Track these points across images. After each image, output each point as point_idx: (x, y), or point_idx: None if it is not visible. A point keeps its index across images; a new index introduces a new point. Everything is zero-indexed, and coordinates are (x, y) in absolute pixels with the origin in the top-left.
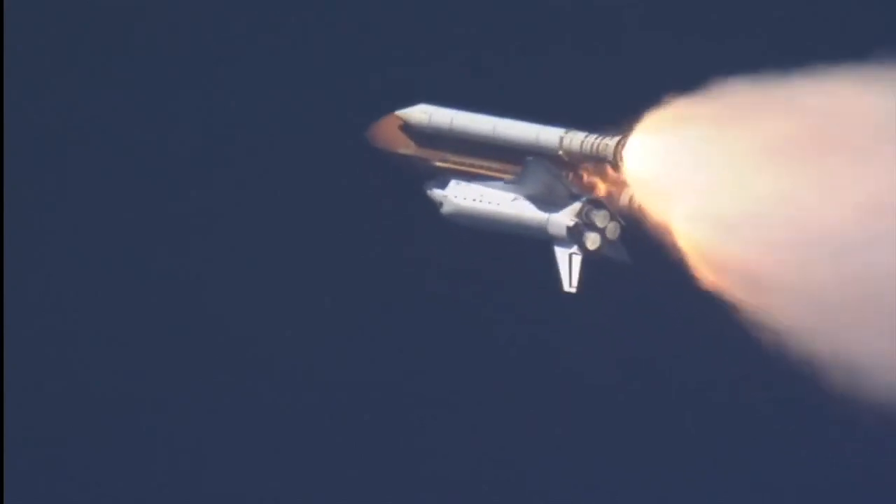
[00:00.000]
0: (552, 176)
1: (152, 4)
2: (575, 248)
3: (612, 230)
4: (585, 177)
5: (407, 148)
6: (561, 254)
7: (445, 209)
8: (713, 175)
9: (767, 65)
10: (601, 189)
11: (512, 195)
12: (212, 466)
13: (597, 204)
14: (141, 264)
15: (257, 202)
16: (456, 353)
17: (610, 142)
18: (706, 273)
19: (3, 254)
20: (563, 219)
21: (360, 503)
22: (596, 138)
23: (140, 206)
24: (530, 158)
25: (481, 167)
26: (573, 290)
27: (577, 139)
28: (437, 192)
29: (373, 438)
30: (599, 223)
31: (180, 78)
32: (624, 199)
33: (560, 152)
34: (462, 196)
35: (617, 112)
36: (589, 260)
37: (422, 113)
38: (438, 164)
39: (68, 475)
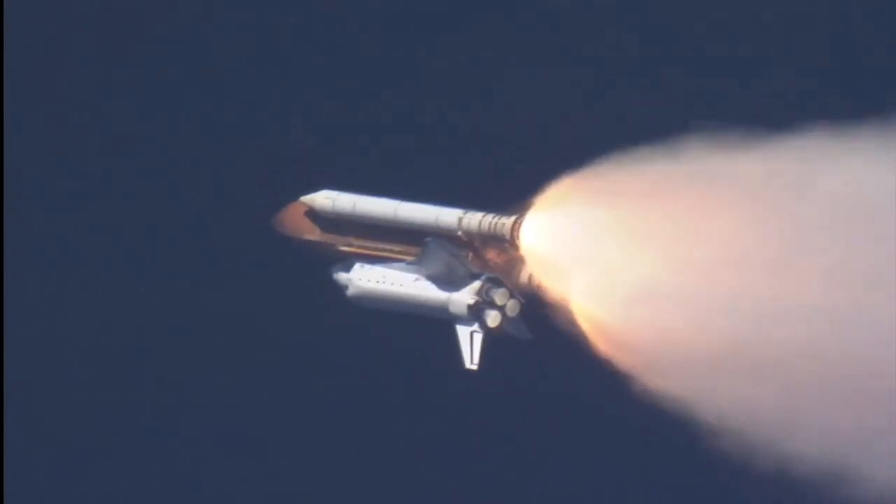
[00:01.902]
0: (451, 256)
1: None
2: (476, 326)
3: (512, 307)
4: (484, 256)
5: (312, 234)
6: (462, 332)
7: (351, 292)
8: (607, 251)
9: (656, 139)
10: (500, 267)
11: (414, 276)
12: (211, 466)
13: (496, 282)
14: (140, 264)
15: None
16: (361, 430)
17: (507, 221)
18: (603, 346)
19: (2, 254)
20: (464, 297)
21: None
22: (493, 218)
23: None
24: (429, 239)
25: (384, 250)
26: (475, 367)
27: (475, 219)
28: (342, 276)
29: None
30: (499, 301)
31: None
32: (523, 277)
33: (459, 233)
34: (366, 278)
35: (514, 192)
36: (490, 337)
37: (325, 199)
38: (343, 248)
39: (68, 475)
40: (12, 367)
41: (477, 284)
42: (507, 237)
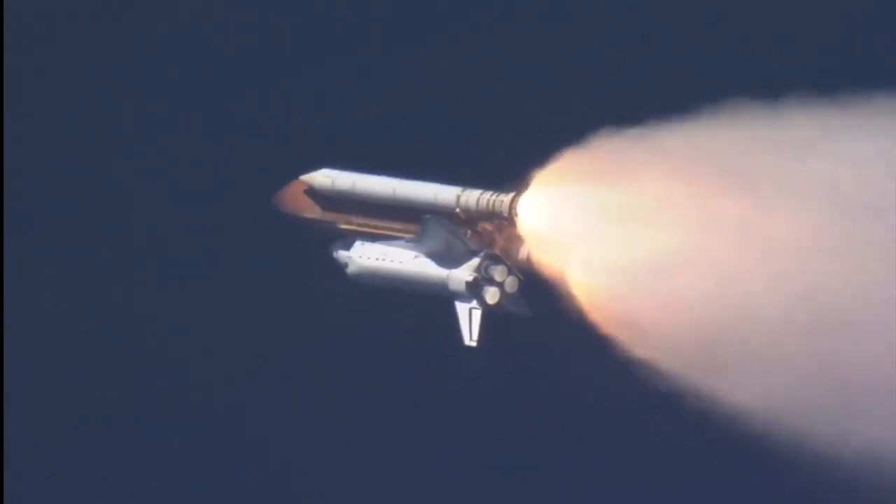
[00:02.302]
0: (450, 233)
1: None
2: (475, 303)
3: (511, 284)
4: (483, 233)
5: (312, 212)
6: (461, 309)
7: (350, 269)
8: (605, 226)
9: (655, 115)
10: (499, 244)
11: (413, 253)
12: (211, 466)
13: (495, 259)
14: (140, 265)
15: (175, 258)
16: (361, 409)
17: (505, 198)
18: (602, 323)
19: (2, 254)
20: (463, 274)
21: None
22: (491, 195)
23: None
24: (428, 217)
25: (384, 228)
26: (474, 343)
27: (473, 197)
28: (342, 254)
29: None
30: (498, 278)
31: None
32: (522, 254)
33: (457, 210)
34: (366, 256)
35: (512, 168)
36: (489, 314)
37: (325, 177)
38: (343, 226)
39: (68, 475)
40: (12, 367)
41: (476, 261)
42: (506, 214)
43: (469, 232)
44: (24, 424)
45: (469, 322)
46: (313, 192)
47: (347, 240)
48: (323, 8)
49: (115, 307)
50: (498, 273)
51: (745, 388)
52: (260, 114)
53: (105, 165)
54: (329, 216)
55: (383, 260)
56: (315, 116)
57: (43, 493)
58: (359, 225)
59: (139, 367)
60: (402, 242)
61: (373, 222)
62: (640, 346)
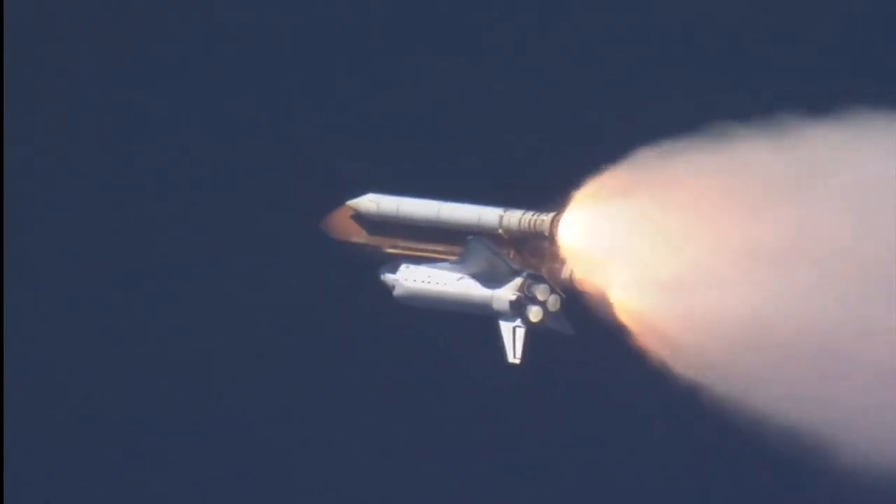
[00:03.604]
0: (493, 254)
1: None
2: (518, 322)
3: (554, 303)
4: (525, 253)
5: (359, 236)
6: (505, 327)
7: (397, 292)
8: (644, 244)
9: (690, 130)
10: (542, 263)
11: (458, 275)
12: (210, 467)
13: (537, 278)
14: (139, 265)
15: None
16: (412, 424)
17: (546, 218)
18: (644, 339)
19: (2, 254)
20: (506, 294)
21: None
22: (532, 215)
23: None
24: (471, 238)
25: (428, 250)
26: (517, 361)
27: (514, 217)
28: (388, 277)
29: None
30: (541, 297)
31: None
32: (564, 273)
33: (500, 231)
34: (412, 279)
35: (553, 189)
36: (532, 332)
37: (370, 202)
38: (389, 250)
39: (68, 475)
40: (12, 367)
41: (518, 281)
42: (547, 234)
43: (512, 252)
44: (24, 424)
45: (513, 340)
46: (359, 217)
47: (393, 263)
48: (366, 34)
49: (115, 308)
50: (540, 292)
51: (785, 403)
52: (304, 137)
53: (138, 186)
54: (375, 240)
55: (428, 282)
56: (357, 140)
57: (43, 493)
58: (404, 248)
59: (138, 368)
60: (446, 264)
61: (418, 245)
62: (681, 362)
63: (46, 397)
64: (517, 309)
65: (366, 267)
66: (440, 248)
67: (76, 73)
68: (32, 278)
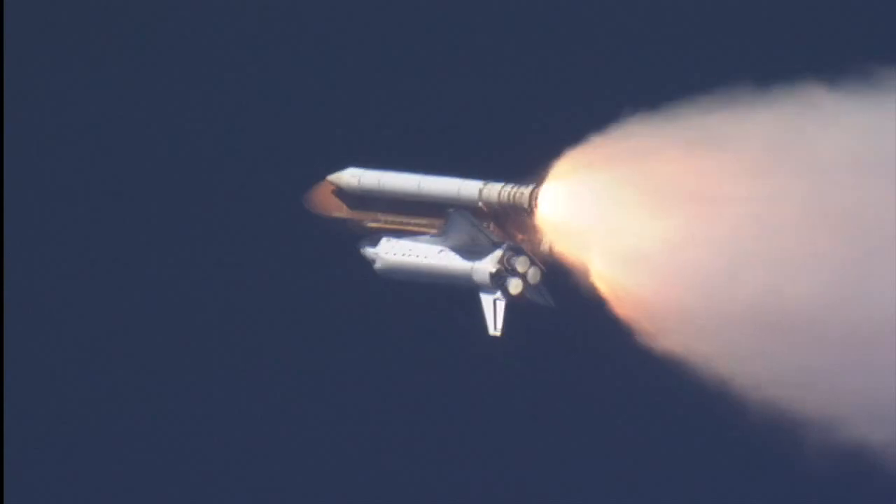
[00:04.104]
0: (473, 226)
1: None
2: (498, 294)
3: (534, 275)
4: (506, 225)
5: (340, 211)
6: (485, 300)
7: (378, 265)
8: (623, 215)
9: (666, 101)
10: (522, 236)
11: (438, 248)
12: (210, 467)
13: (517, 250)
14: (139, 265)
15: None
16: (388, 397)
17: (525, 190)
18: (625, 311)
19: (2, 254)
20: (486, 266)
21: None
22: (512, 188)
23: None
24: (451, 211)
25: (409, 224)
26: (498, 333)
27: (494, 190)
28: (370, 250)
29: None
30: (521, 269)
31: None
32: (544, 245)
33: (480, 204)
34: (393, 252)
35: (532, 161)
36: (513, 304)
37: (351, 176)
38: (370, 224)
39: (68, 475)
40: (12, 367)
41: (499, 253)
42: (526, 206)
43: (492, 225)
44: (24, 424)
45: (493, 312)
46: (341, 192)
47: (374, 237)
48: (343, 9)
49: (115, 308)
50: (520, 264)
51: (765, 372)
52: (281, 115)
53: (121, 167)
54: (356, 214)
55: (409, 255)
56: (336, 116)
57: (43, 493)
58: (385, 222)
59: (139, 368)
60: (427, 237)
61: (398, 219)
62: (660, 332)
63: (46, 397)
64: (497, 281)
65: (347, 241)
66: (421, 221)
67: (76, 73)
68: (32, 278)
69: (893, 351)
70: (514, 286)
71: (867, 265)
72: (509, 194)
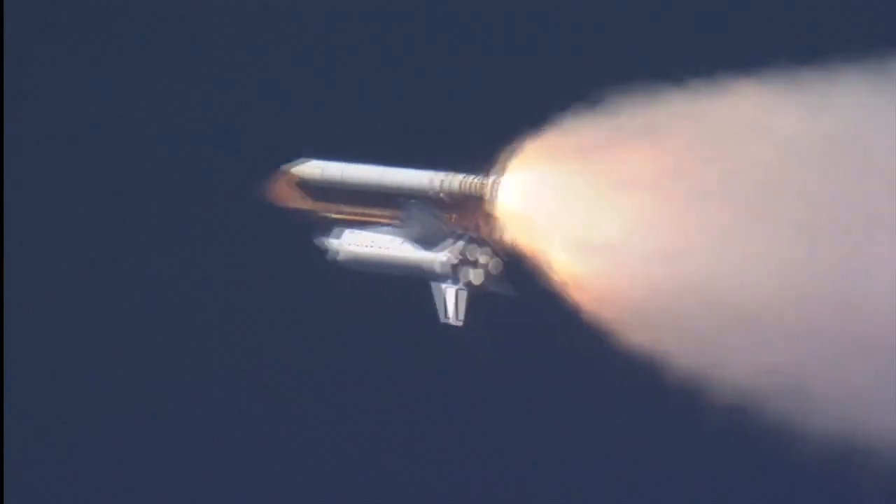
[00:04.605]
0: (433, 217)
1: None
2: (459, 284)
3: (495, 265)
4: (466, 216)
5: (302, 203)
6: (446, 290)
7: (341, 257)
8: (582, 205)
9: (624, 91)
10: (482, 226)
11: (399, 239)
12: (210, 467)
13: (478, 241)
14: (138, 265)
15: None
16: (348, 388)
17: (485, 181)
18: (585, 301)
19: (2, 254)
20: (447, 257)
21: None
22: (473, 179)
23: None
24: (412, 202)
25: (370, 215)
26: (459, 323)
27: (455, 181)
28: (331, 242)
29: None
30: (481, 259)
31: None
32: (504, 235)
33: (441, 194)
34: (354, 243)
35: (493, 152)
36: (474, 295)
37: (314, 168)
38: (333, 215)
39: (68, 475)
40: (12, 367)
41: (459, 244)
42: (487, 197)
43: (452, 215)
44: (24, 424)
45: (455, 303)
46: (303, 183)
47: (336, 228)
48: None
49: (115, 308)
50: (481, 255)
51: (724, 363)
52: (243, 107)
53: (85, 161)
54: (318, 206)
55: (370, 246)
56: (297, 108)
57: (43, 493)
58: (347, 213)
59: (139, 368)
60: (388, 228)
61: (360, 210)
62: (619, 321)
63: (46, 397)
64: (458, 272)
65: (309, 233)
66: (383, 212)
67: (76, 73)
68: (32, 278)
69: (852, 340)
70: (475, 276)
71: (819, 253)
72: (470, 185)
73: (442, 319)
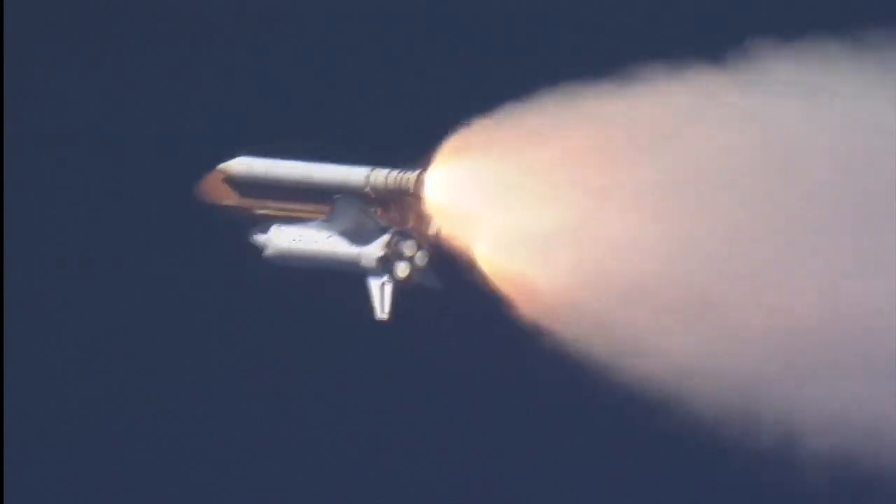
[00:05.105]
0: (360, 211)
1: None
2: (386, 278)
3: (421, 258)
4: (393, 210)
5: (231, 199)
6: (373, 284)
7: (268, 252)
8: (507, 198)
9: (553, 84)
10: (409, 220)
11: (327, 233)
12: (210, 468)
13: (404, 235)
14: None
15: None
16: (280, 383)
17: (411, 175)
18: (511, 294)
19: (2, 254)
20: (374, 251)
21: None
22: (398, 173)
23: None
24: (338, 197)
25: (299, 210)
26: (386, 316)
27: (381, 175)
28: (260, 237)
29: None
30: (408, 252)
31: None
32: (431, 229)
33: (367, 189)
34: (282, 238)
35: (419, 146)
36: (401, 288)
37: (241, 164)
38: (260, 211)
39: (68, 475)
40: (12, 367)
41: (386, 238)
42: (412, 191)
43: (379, 210)
44: (24, 424)
45: (381, 296)
46: (231, 180)
47: (265, 224)
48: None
49: (116, 308)
50: (408, 248)
51: (647, 357)
52: (178, 108)
53: (85, 161)
54: (247, 202)
55: (298, 241)
56: (222, 107)
57: (43, 493)
58: (275, 209)
59: (139, 369)
60: (316, 223)
61: (288, 205)
62: (544, 313)
63: (46, 397)
64: (385, 265)
65: (237, 229)
66: (310, 207)
67: (76, 73)
68: (32, 278)
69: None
70: (402, 270)
71: (761, 248)
72: (395, 179)
73: (375, 316)
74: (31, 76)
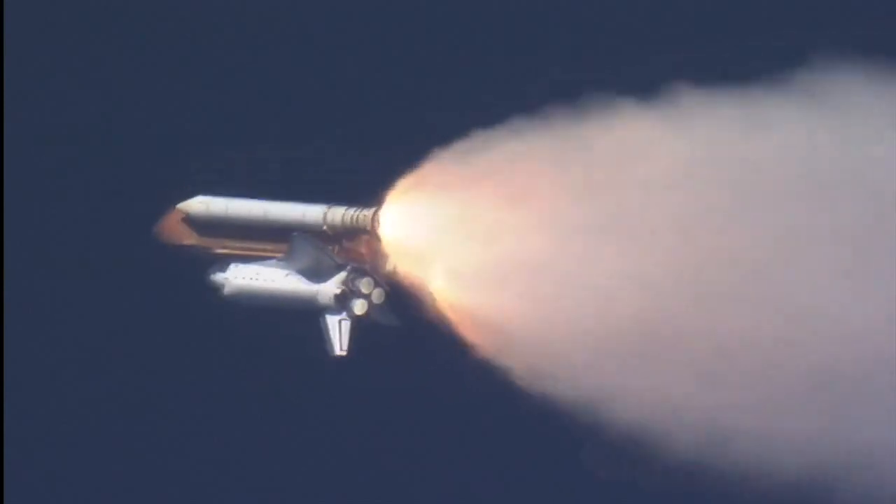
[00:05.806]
0: (317, 249)
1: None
2: (344, 315)
3: (378, 295)
4: (350, 248)
5: (189, 239)
6: (331, 321)
7: (227, 290)
8: (462, 235)
9: (507, 121)
10: (365, 258)
11: (285, 271)
12: (210, 468)
13: (361, 272)
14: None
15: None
16: (240, 416)
17: (367, 213)
18: (466, 331)
19: (2, 254)
20: (331, 288)
21: None
22: (355, 211)
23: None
24: (295, 234)
25: (257, 249)
26: (343, 353)
27: (338, 214)
28: (218, 276)
29: None
30: (365, 290)
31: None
32: (387, 266)
33: (324, 227)
34: (240, 277)
35: (375, 184)
36: (358, 325)
37: (199, 204)
38: (219, 250)
39: (68, 475)
40: (12, 367)
41: (343, 275)
42: (369, 228)
43: (336, 248)
44: (24, 424)
45: (339, 333)
46: (190, 219)
47: (223, 263)
48: (176, 34)
49: (116, 308)
50: (364, 285)
51: (618, 388)
52: (140, 144)
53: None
54: (205, 241)
55: (256, 279)
56: (180, 146)
57: (43, 493)
58: (233, 248)
59: (139, 369)
60: (273, 262)
61: (246, 244)
62: (500, 349)
63: (46, 397)
64: (342, 302)
65: (196, 268)
66: (268, 246)
67: (76, 73)
68: (32, 278)
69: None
70: (359, 307)
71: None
72: (352, 217)
73: (333, 352)
74: (31, 76)
